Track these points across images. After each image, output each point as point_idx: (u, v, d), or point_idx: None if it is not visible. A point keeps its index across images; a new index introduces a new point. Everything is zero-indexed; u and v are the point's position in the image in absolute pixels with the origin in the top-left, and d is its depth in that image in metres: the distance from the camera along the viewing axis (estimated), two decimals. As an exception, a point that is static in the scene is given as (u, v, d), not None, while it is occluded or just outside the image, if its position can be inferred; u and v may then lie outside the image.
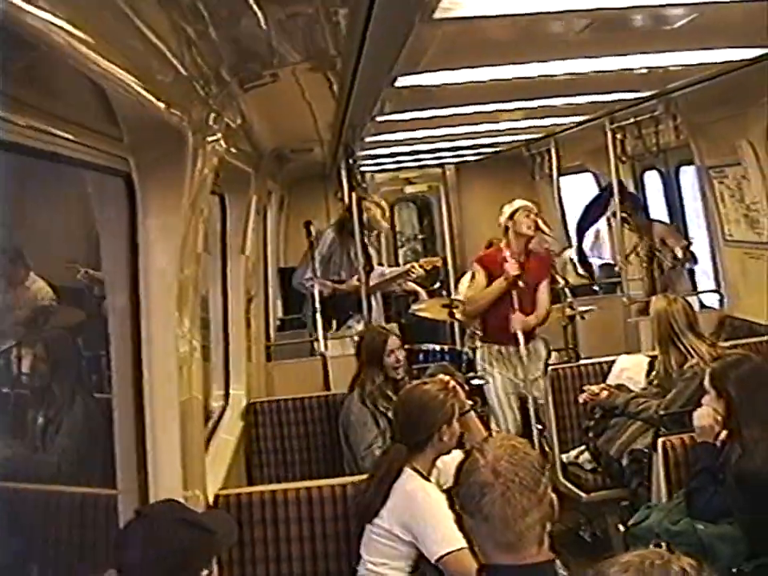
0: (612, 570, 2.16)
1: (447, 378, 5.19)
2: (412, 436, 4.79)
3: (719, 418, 5.00)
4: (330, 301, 9.49)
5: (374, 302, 9.62)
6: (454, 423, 4.85)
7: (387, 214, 9.96)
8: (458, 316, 9.47)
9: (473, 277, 8.65)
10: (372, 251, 10.16)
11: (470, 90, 5.93)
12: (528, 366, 8.00)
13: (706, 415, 5.08)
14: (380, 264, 11.02)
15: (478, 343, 8.52)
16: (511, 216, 8.05)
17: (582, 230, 12.23)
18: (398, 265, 13.76)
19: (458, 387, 5.08)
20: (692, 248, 10.17)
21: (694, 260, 10.22)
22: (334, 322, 9.60)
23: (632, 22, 4.47)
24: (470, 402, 5.29)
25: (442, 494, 4.79)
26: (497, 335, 8.21)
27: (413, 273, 10.37)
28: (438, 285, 13.31)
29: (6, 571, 3.48)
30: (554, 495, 2.89)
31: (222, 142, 5.04)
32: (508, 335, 8.02)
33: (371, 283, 9.27)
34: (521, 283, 7.85)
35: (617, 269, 11.06)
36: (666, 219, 11.33)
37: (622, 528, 5.48)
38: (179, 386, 4.26)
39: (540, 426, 8.07)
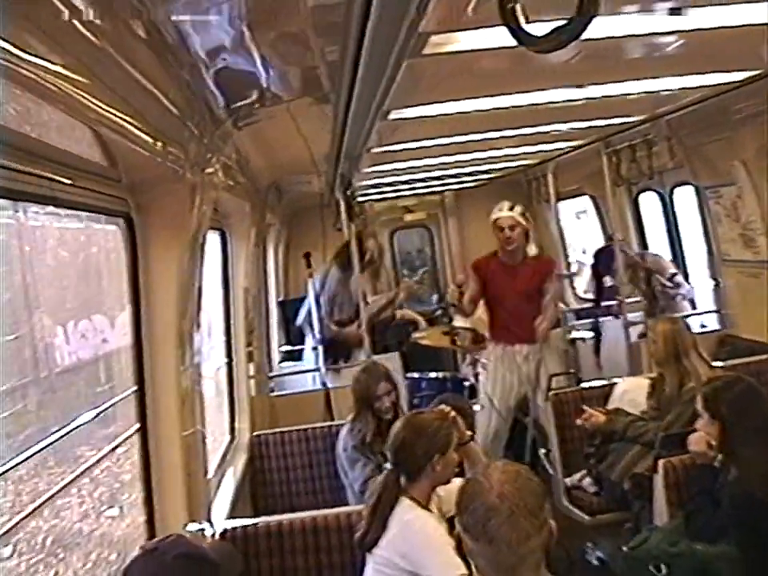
0: None
1: (447, 408, 5.19)
2: (406, 465, 4.77)
3: (713, 442, 5.01)
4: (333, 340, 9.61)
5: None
6: (449, 453, 4.82)
7: (381, 246, 10.04)
8: (459, 343, 9.50)
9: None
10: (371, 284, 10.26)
11: (465, 120, 6.00)
12: (530, 366, 8.21)
13: (699, 440, 5.09)
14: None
15: (488, 345, 8.66)
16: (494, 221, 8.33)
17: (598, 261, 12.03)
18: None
19: (457, 417, 5.08)
20: (677, 278, 10.23)
21: (682, 286, 10.27)
22: (341, 361, 9.65)
23: (621, 50, 4.53)
24: (470, 433, 5.28)
25: (442, 522, 4.81)
26: (501, 335, 8.44)
27: (399, 297, 10.55)
28: (438, 312, 13.34)
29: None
30: (552, 522, 2.92)
31: (219, 177, 5.10)
32: (510, 335, 8.33)
33: (364, 315, 9.37)
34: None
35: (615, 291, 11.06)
36: (664, 239, 11.41)
37: (625, 551, 5.48)
38: (181, 421, 4.30)
39: (544, 450, 8.09)
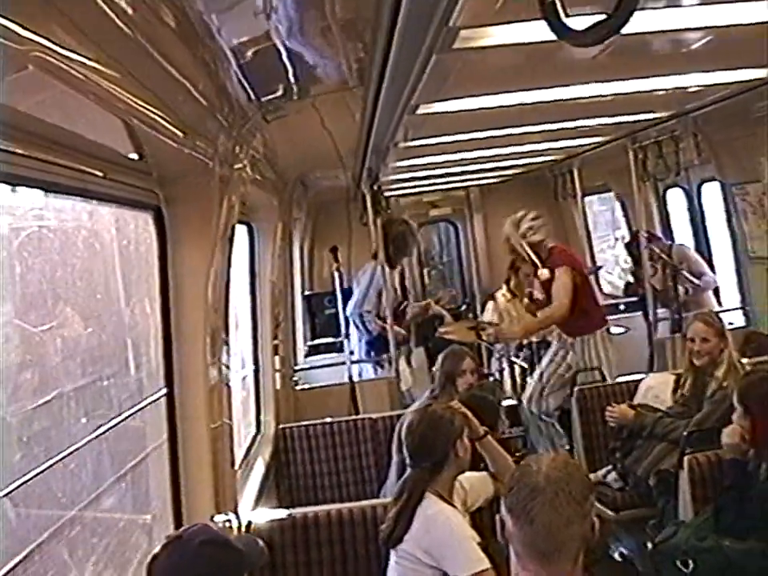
0: None
1: (454, 403, 5.26)
2: (430, 457, 4.79)
3: (747, 436, 5.02)
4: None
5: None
6: (464, 437, 4.90)
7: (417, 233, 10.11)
8: (484, 338, 9.50)
9: None
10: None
11: (491, 115, 6.00)
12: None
13: (733, 433, 5.10)
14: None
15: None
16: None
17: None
18: (423, 286, 13.85)
19: (467, 413, 5.12)
20: (706, 279, 10.24)
21: (705, 274, 10.29)
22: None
23: (648, 45, 4.53)
24: (484, 428, 5.30)
25: (466, 515, 4.84)
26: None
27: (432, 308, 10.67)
28: (463, 307, 13.36)
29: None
30: (596, 519, 2.92)
31: (247, 171, 5.12)
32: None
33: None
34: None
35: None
36: (690, 236, 11.37)
37: (650, 546, 5.48)
38: (209, 414, 4.32)
39: (568, 446, 8.11)
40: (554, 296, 8.20)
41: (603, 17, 2.05)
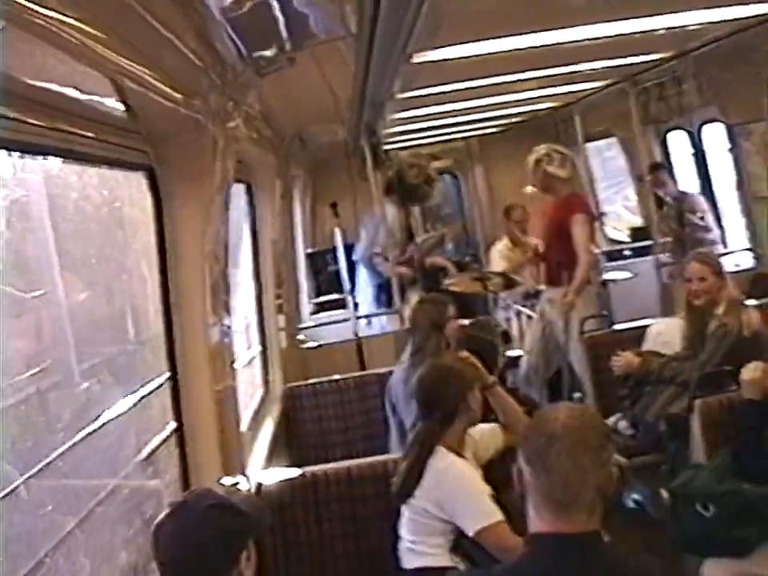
0: None
1: (465, 354, 5.19)
2: (440, 410, 4.76)
3: None
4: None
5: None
6: (476, 390, 4.85)
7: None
8: (490, 288, 9.45)
9: None
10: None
11: (488, 62, 5.92)
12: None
13: (753, 368, 5.03)
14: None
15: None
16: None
17: None
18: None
19: (477, 363, 5.06)
20: (707, 220, 10.16)
21: (712, 231, 10.22)
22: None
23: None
24: (493, 378, 5.24)
25: (478, 468, 4.80)
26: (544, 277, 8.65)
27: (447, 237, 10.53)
28: (468, 258, 13.29)
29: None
30: (614, 469, 2.87)
31: (241, 129, 5.05)
32: (544, 277, 8.58)
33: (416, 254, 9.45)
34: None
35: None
36: (694, 178, 11.29)
37: (664, 492, 5.44)
38: (212, 375, 4.28)
39: (578, 395, 8.06)
40: (577, 248, 8.07)
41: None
